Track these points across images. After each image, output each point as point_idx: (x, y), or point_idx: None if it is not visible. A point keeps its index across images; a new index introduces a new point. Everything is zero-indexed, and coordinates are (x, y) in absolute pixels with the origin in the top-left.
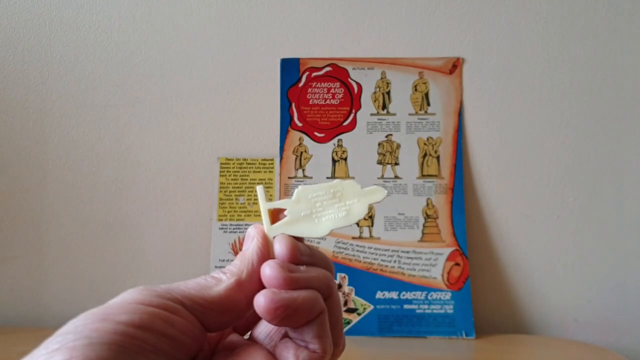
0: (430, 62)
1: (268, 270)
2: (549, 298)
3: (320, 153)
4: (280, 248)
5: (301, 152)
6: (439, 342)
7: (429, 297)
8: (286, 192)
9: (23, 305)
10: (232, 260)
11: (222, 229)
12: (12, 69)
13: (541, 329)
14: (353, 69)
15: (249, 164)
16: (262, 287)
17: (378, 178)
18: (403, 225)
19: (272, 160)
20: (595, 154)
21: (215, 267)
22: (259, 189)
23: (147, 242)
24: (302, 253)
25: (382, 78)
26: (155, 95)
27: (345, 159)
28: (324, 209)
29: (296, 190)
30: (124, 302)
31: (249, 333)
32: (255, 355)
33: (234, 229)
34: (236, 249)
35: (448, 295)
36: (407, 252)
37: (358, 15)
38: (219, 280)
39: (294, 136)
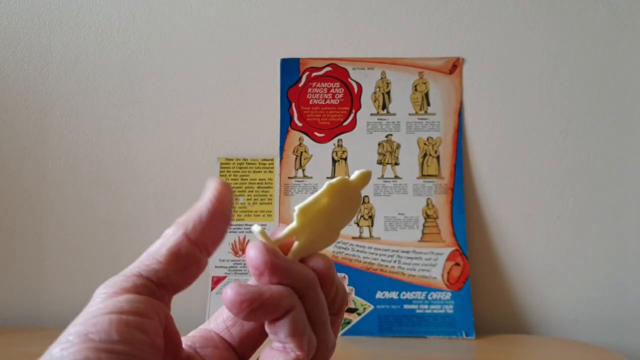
0: (430, 62)
1: (252, 252)
2: (549, 298)
3: (320, 153)
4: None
5: (301, 152)
6: (439, 342)
7: (429, 297)
8: (286, 192)
9: (23, 305)
10: (232, 261)
11: None
12: (13, 69)
13: (541, 329)
14: (353, 69)
15: (249, 164)
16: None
17: (378, 178)
18: (403, 225)
19: (272, 160)
20: (595, 153)
21: (215, 267)
22: (257, 233)
23: (147, 242)
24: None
25: (382, 78)
26: (155, 95)
27: (345, 159)
28: None
29: (296, 214)
30: (97, 314)
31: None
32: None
33: (233, 229)
34: (236, 248)
35: (448, 295)
36: (407, 252)
37: (358, 15)
38: (166, 237)
39: (294, 136)
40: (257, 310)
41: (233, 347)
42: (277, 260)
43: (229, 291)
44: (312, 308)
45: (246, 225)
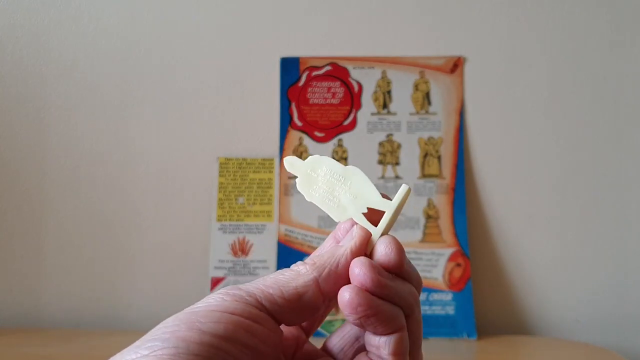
0: (431, 61)
1: (358, 268)
2: (550, 299)
3: (320, 153)
4: (386, 250)
5: (301, 152)
6: (441, 343)
7: (430, 298)
8: (286, 192)
9: (22, 305)
10: (232, 261)
11: (222, 229)
12: (11, 68)
13: (543, 330)
14: (353, 68)
15: (248, 163)
16: (342, 286)
17: (378, 178)
18: (404, 226)
19: (272, 160)
20: (596, 153)
21: (215, 267)
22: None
23: (146, 243)
24: (407, 261)
25: (382, 77)
26: (154, 95)
27: (346, 159)
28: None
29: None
30: (209, 309)
31: (319, 342)
32: None
33: (233, 229)
34: (235, 249)
35: (449, 296)
36: (408, 252)
37: (358, 14)
38: (297, 273)
39: (294, 136)
40: (369, 318)
41: (301, 326)
42: (383, 280)
43: (348, 292)
44: (413, 328)
45: (246, 225)
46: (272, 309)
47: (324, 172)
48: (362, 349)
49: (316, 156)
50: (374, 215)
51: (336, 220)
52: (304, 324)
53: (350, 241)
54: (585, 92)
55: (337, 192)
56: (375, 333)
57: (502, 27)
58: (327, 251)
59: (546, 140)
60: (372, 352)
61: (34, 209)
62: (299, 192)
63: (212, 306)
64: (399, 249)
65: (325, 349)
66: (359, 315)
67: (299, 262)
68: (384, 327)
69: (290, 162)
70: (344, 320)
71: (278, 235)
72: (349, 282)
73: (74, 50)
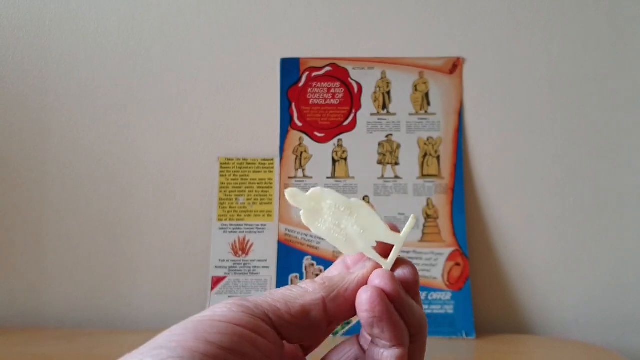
0: (430, 61)
1: (379, 279)
2: (549, 298)
3: (320, 153)
4: (404, 271)
5: (301, 152)
6: (439, 343)
7: (429, 297)
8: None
9: (23, 305)
10: (232, 261)
11: (222, 228)
12: (12, 68)
13: (542, 329)
14: (353, 68)
15: (248, 164)
16: (347, 313)
17: (378, 178)
18: (403, 225)
19: (272, 160)
20: (595, 153)
21: (215, 267)
22: (411, 221)
23: (147, 242)
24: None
25: (382, 78)
26: (155, 95)
27: (345, 159)
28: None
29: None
30: (215, 319)
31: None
32: None
33: (233, 229)
34: (236, 249)
35: (448, 296)
36: (408, 252)
37: (358, 15)
38: (305, 291)
39: (294, 136)
40: (382, 322)
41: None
42: (402, 292)
43: (370, 290)
44: (416, 352)
45: (246, 225)
46: (278, 324)
47: (329, 205)
48: None
49: (318, 189)
50: (381, 247)
51: (346, 253)
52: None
53: (362, 269)
54: (583, 93)
55: (343, 225)
56: (381, 339)
57: (501, 28)
58: (339, 275)
59: (545, 141)
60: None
61: (35, 208)
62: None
63: (218, 317)
64: (416, 273)
65: None
66: (375, 315)
67: (307, 280)
68: (392, 334)
69: (292, 195)
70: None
71: (278, 235)
72: (354, 308)
73: (75, 51)
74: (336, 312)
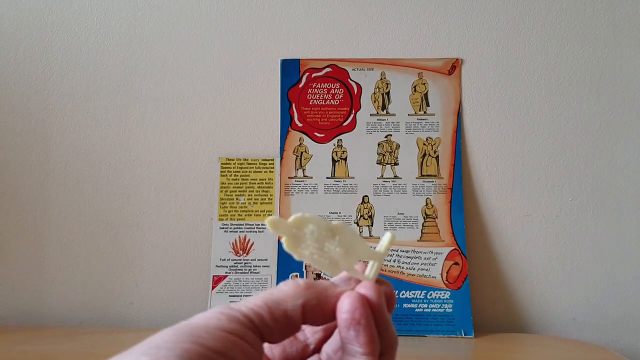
0: (429, 62)
1: (365, 289)
2: (547, 297)
3: (320, 153)
4: (386, 288)
5: (301, 152)
6: (438, 341)
7: (428, 296)
8: (286, 192)
9: (24, 305)
10: (233, 260)
11: (223, 228)
12: (14, 69)
13: (540, 328)
14: (353, 69)
15: (249, 164)
16: (325, 321)
17: (378, 178)
18: (402, 225)
19: (272, 160)
20: (593, 153)
21: (216, 266)
22: (389, 239)
23: (148, 242)
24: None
25: (381, 79)
26: (156, 96)
27: (345, 159)
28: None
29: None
30: (209, 326)
31: None
32: None
33: (234, 228)
34: (236, 248)
35: (447, 295)
36: (407, 251)
37: (358, 16)
38: (287, 295)
39: (294, 136)
40: (358, 325)
41: None
42: (383, 310)
43: (352, 296)
44: None
45: (247, 224)
46: (262, 329)
47: (311, 230)
48: None
49: (299, 215)
50: (364, 268)
51: (330, 274)
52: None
53: (347, 286)
54: (581, 93)
55: (326, 249)
56: (354, 344)
57: (500, 29)
58: (324, 284)
59: (542, 141)
60: None
61: (37, 208)
62: (299, 192)
63: (211, 324)
64: (394, 293)
65: None
66: (354, 317)
67: (290, 281)
68: (366, 339)
69: (273, 223)
70: None
71: (278, 234)
72: (332, 317)
73: (76, 52)
74: (313, 319)
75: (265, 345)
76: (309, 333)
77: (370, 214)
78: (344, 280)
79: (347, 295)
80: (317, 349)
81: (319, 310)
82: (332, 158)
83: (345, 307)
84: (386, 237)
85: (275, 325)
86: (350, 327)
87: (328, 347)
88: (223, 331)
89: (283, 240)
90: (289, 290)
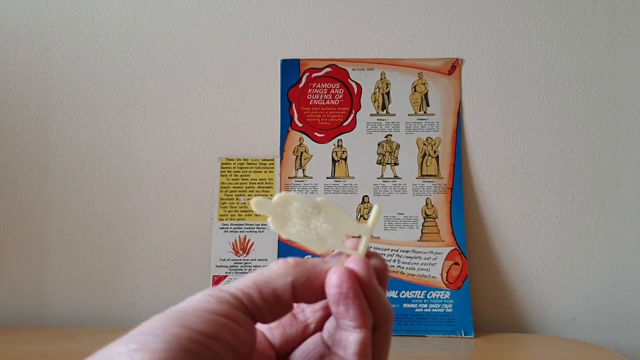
0: (429, 62)
1: (353, 263)
2: (547, 297)
3: (320, 153)
4: (376, 260)
5: (301, 152)
6: (438, 341)
7: (428, 296)
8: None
9: (24, 304)
10: (233, 260)
11: (223, 228)
12: (14, 69)
13: (540, 328)
14: (353, 69)
15: (249, 164)
16: (316, 298)
17: (378, 178)
18: (402, 225)
19: (272, 160)
20: (593, 153)
21: (216, 266)
22: (376, 210)
23: (148, 242)
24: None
25: (381, 79)
26: (156, 96)
27: (345, 159)
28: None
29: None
30: (198, 309)
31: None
32: None
33: (234, 228)
34: (237, 248)
35: (447, 295)
36: (407, 251)
37: (358, 16)
38: (276, 273)
39: (294, 136)
40: (346, 299)
41: (273, 346)
42: (373, 282)
43: (340, 271)
44: (381, 342)
45: (247, 224)
46: (252, 309)
47: (296, 208)
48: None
49: (283, 194)
50: (352, 243)
51: (318, 252)
52: (277, 344)
53: (337, 262)
54: (580, 93)
55: (313, 225)
56: (345, 319)
57: (499, 29)
58: (313, 261)
59: (542, 141)
60: (338, 354)
61: (37, 208)
62: (299, 192)
63: (200, 307)
64: (385, 265)
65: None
66: (341, 291)
67: (280, 260)
68: (356, 312)
69: (258, 203)
70: None
71: (278, 234)
72: (323, 294)
73: (76, 52)
74: (304, 296)
75: (265, 327)
76: (309, 313)
77: (370, 214)
78: (335, 256)
79: (334, 270)
80: (318, 328)
81: (309, 287)
82: (332, 158)
83: (332, 282)
84: (374, 210)
85: (265, 305)
86: (340, 302)
87: (329, 325)
88: (212, 313)
89: (269, 220)
90: (279, 269)
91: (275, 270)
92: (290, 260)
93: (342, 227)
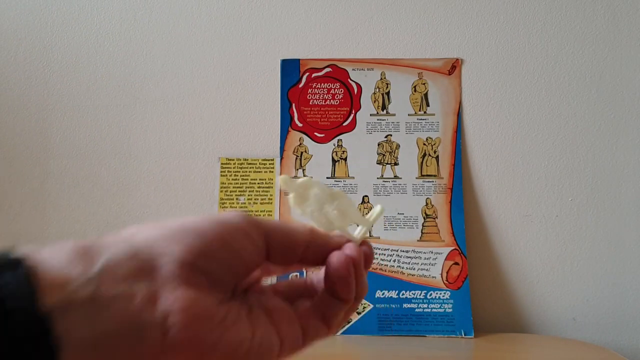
0: (429, 62)
1: (350, 250)
2: (547, 297)
3: (320, 153)
4: (366, 248)
5: (301, 152)
6: (438, 341)
7: (428, 296)
8: (286, 192)
9: None
10: None
11: None
12: (14, 69)
13: (539, 328)
14: (353, 69)
15: (249, 164)
16: (316, 262)
17: (378, 178)
18: (402, 225)
19: (272, 160)
20: (593, 153)
21: None
22: (378, 211)
23: None
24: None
25: (381, 79)
26: (156, 96)
27: (345, 159)
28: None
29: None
30: (231, 216)
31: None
32: (276, 302)
33: None
34: None
35: (447, 294)
36: (407, 251)
37: (358, 16)
38: (297, 228)
39: (294, 136)
40: (340, 279)
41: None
42: (361, 267)
43: (341, 256)
44: (352, 309)
45: None
46: (270, 239)
47: (315, 192)
48: (304, 297)
49: (307, 178)
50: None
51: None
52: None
53: (342, 238)
54: (580, 93)
55: (325, 210)
56: (334, 291)
57: (499, 29)
58: (324, 232)
59: (542, 141)
60: (325, 314)
61: (37, 207)
62: None
63: (230, 217)
64: (372, 251)
65: (273, 289)
66: (340, 273)
67: (300, 222)
68: (346, 289)
69: (286, 180)
70: None
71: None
72: (323, 260)
73: (76, 51)
74: (311, 255)
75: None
76: (315, 282)
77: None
78: (338, 237)
79: (336, 255)
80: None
81: (316, 250)
82: (332, 158)
83: (334, 264)
84: (376, 209)
85: (282, 240)
86: (336, 280)
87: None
88: (236, 225)
89: (290, 196)
90: (299, 226)
91: (297, 226)
92: (309, 226)
93: (349, 216)
